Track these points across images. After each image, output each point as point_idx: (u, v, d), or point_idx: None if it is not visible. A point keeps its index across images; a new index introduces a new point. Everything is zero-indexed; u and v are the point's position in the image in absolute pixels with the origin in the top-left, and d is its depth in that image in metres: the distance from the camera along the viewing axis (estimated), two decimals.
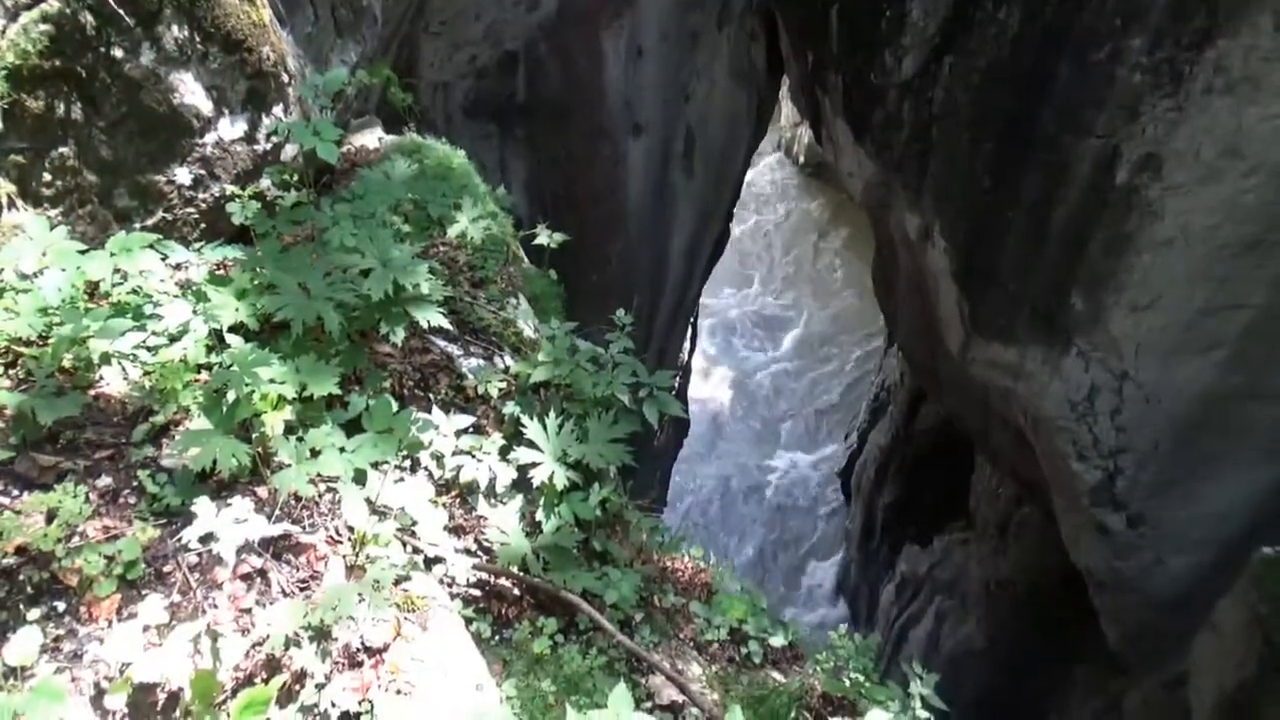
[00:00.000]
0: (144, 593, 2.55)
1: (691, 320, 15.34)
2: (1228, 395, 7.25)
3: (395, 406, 3.28)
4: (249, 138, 4.24)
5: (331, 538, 2.92)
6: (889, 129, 8.82)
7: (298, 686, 2.43)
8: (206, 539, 2.63)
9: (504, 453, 3.61)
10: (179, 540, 2.65)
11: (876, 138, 9.02)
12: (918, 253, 9.29)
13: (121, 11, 3.49)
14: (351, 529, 2.93)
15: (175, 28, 3.74)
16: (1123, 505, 7.95)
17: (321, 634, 2.52)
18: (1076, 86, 7.03)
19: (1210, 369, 7.16)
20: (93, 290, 3.44)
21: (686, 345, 15.57)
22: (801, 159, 25.39)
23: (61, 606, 2.48)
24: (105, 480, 2.84)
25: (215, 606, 2.57)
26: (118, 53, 3.58)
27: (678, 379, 14.65)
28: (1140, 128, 6.71)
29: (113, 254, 3.36)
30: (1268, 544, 6.12)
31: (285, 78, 4.38)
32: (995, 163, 7.87)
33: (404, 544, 3.06)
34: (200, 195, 4.10)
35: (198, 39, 3.85)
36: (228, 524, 2.62)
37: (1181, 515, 7.84)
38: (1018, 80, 7.48)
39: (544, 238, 5.07)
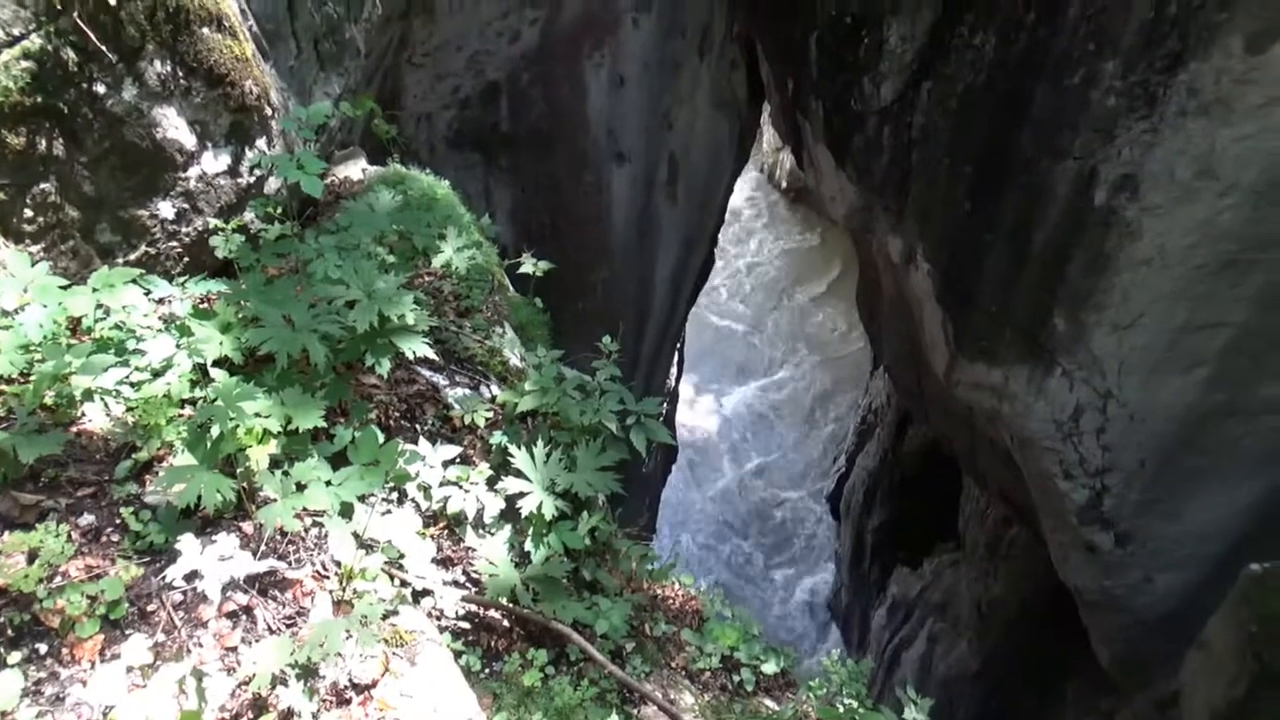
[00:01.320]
0: (127, 633, 2.52)
1: (678, 346, 15.36)
2: (1210, 413, 7.30)
3: (381, 438, 3.26)
4: (232, 171, 4.24)
5: (318, 573, 2.89)
6: (870, 154, 8.90)
7: None
8: (191, 577, 2.60)
9: (491, 483, 3.59)
10: (163, 578, 2.62)
11: (857, 162, 9.10)
12: (901, 276, 9.36)
13: (104, 48, 3.50)
14: (338, 563, 2.91)
15: (158, 63, 3.75)
16: (1110, 524, 7.98)
17: (309, 672, 2.48)
18: (1053, 110, 7.13)
19: (1193, 387, 7.22)
20: (75, 326, 3.42)
21: (673, 371, 15.59)
22: (784, 184, 25.59)
23: (43, 648, 2.44)
24: (88, 518, 2.80)
25: (200, 645, 2.54)
26: (100, 88, 3.58)
27: (665, 405, 14.64)
28: (1116, 150, 6.80)
29: (95, 289, 3.34)
30: (1255, 560, 6.14)
31: (268, 111, 4.39)
32: (975, 185, 7.95)
33: (392, 577, 3.04)
34: (183, 229, 4.09)
35: (181, 74, 3.86)
36: (212, 561, 2.59)
37: (1169, 533, 7.87)
38: (995, 104, 7.57)
39: (529, 266, 5.07)
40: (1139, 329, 7.18)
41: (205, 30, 3.91)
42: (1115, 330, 7.27)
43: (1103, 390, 7.52)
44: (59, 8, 3.33)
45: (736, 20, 11.61)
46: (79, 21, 3.40)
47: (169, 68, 3.80)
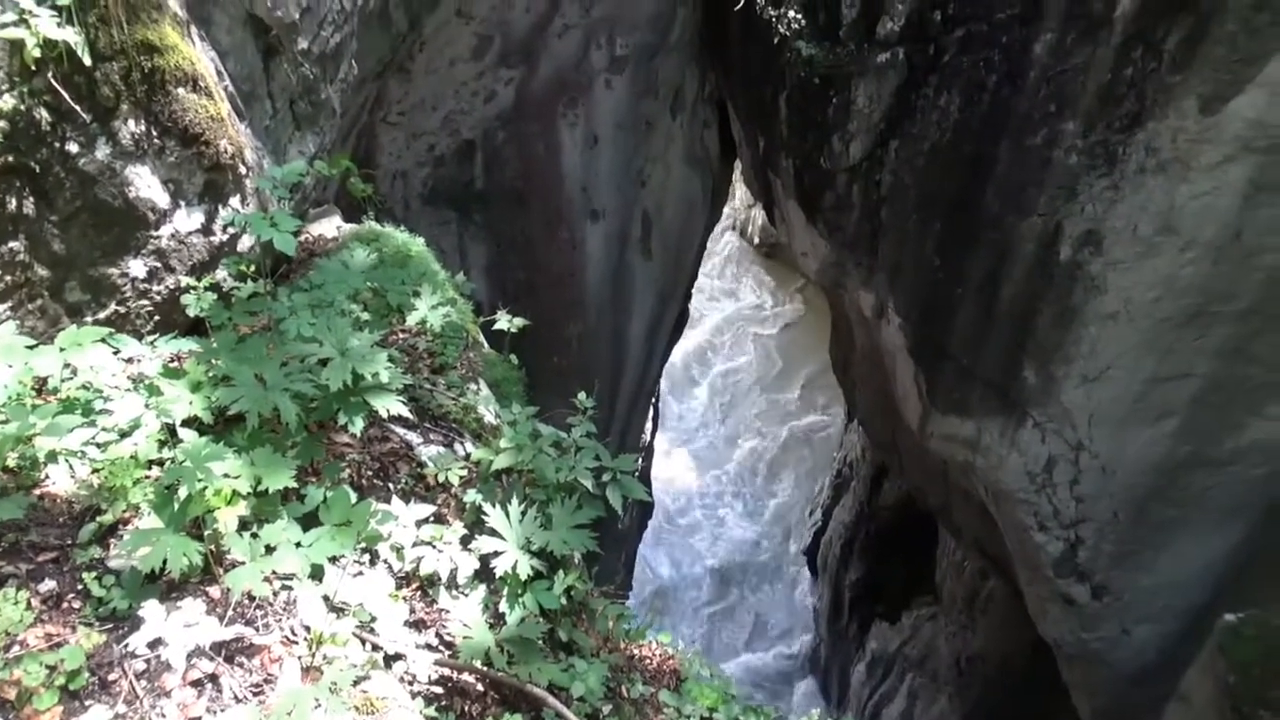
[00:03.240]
0: (87, 704, 2.43)
1: (653, 400, 15.36)
2: (1180, 463, 7.38)
3: (354, 498, 3.21)
4: (206, 229, 4.23)
5: (287, 638, 2.82)
6: (840, 210, 9.06)
7: None
8: (155, 644, 2.53)
9: (465, 542, 3.54)
10: (125, 646, 2.54)
11: (828, 219, 9.25)
12: (874, 329, 9.45)
13: (78, 108, 3.50)
14: (308, 628, 2.84)
15: (132, 122, 3.75)
16: (1086, 576, 7.99)
17: None
18: (1016, 168, 7.30)
19: (1162, 438, 7.30)
20: (41, 386, 3.36)
21: (648, 426, 15.56)
22: (756, 240, 25.93)
23: None
24: (49, 584, 2.73)
25: (163, 716, 2.45)
26: (73, 148, 3.57)
27: (640, 461, 14.58)
28: (1079, 206, 6.97)
29: (62, 349, 3.29)
30: (1230, 611, 6.16)
31: (243, 170, 4.40)
32: (943, 241, 8.10)
33: (363, 642, 2.96)
34: (155, 287, 4.06)
35: (155, 133, 3.86)
36: (177, 628, 2.52)
37: (1144, 584, 7.89)
38: (961, 163, 7.75)
39: (504, 323, 5.08)
40: (1107, 381, 7.28)
41: (181, 90, 3.93)
42: (1084, 382, 7.36)
43: (1074, 442, 7.59)
44: (33, 68, 3.34)
45: (708, 81, 11.86)
46: (53, 81, 3.41)
47: (143, 127, 3.80)
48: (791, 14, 8.86)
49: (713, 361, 23.65)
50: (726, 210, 22.08)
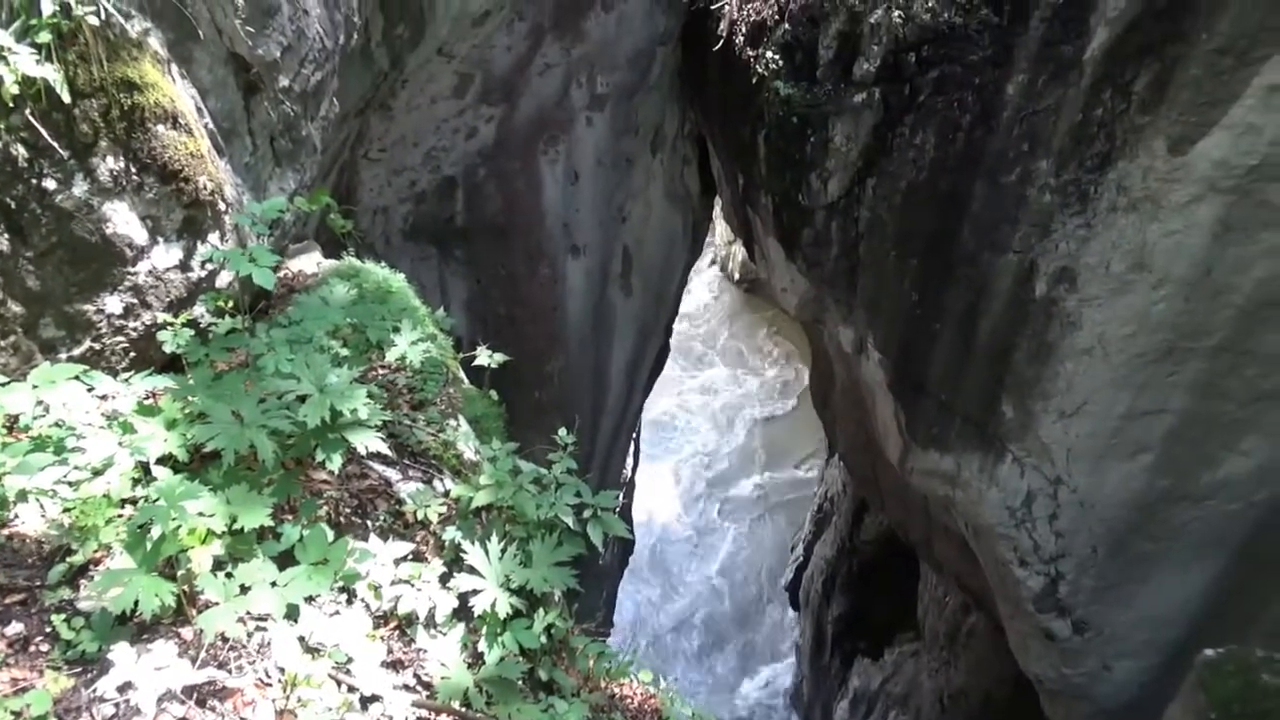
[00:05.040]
0: None
1: (634, 436, 15.33)
2: (1158, 498, 7.43)
3: (331, 536, 3.17)
4: (184, 265, 4.21)
5: (261, 680, 2.77)
6: (819, 247, 9.14)
7: None
8: (124, 688, 2.47)
9: (444, 580, 3.50)
10: (94, 690, 2.49)
11: (807, 255, 9.33)
12: (853, 365, 9.50)
13: (56, 144, 3.49)
14: (282, 670, 2.79)
15: (110, 159, 3.75)
16: (1067, 611, 7.99)
17: None
18: (991, 206, 7.41)
19: (1139, 473, 7.36)
20: (12, 424, 3.31)
21: (629, 462, 15.51)
22: (736, 275, 26.10)
23: None
24: (15, 627, 2.67)
25: None
26: (50, 184, 3.55)
27: (621, 497, 14.53)
28: (1053, 244, 7.07)
29: (35, 386, 3.25)
30: (1211, 646, 6.17)
31: (222, 206, 4.39)
32: (921, 278, 8.18)
33: (338, 683, 2.91)
34: (131, 324, 4.02)
35: (133, 169, 3.85)
36: (147, 671, 2.47)
37: (1125, 619, 7.90)
38: (937, 200, 7.86)
39: (484, 358, 5.06)
40: (1084, 416, 7.34)
41: (160, 127, 3.93)
42: (1061, 418, 7.42)
43: (1052, 477, 7.63)
44: (11, 105, 3.33)
45: (688, 119, 12.00)
46: (31, 118, 3.40)
47: (122, 164, 3.79)
48: (769, 55, 9.00)
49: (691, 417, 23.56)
50: (707, 246, 22.12)
